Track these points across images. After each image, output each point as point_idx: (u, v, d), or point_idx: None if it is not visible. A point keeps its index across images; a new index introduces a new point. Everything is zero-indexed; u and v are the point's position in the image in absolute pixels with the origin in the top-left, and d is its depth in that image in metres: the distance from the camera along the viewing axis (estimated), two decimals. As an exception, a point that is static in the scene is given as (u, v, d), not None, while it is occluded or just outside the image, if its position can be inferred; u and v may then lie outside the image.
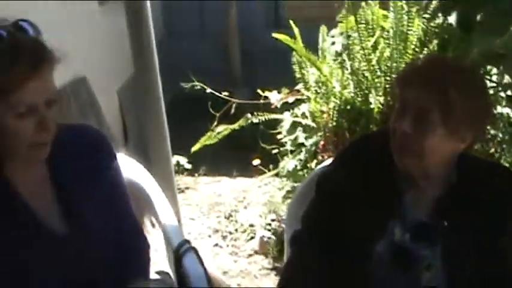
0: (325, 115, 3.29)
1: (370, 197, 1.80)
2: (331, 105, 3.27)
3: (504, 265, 1.76)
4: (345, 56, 3.34)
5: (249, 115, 3.53)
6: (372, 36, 3.24)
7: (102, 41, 4.72)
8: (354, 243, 1.81)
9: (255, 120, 3.51)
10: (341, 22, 3.40)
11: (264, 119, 3.59)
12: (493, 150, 3.28)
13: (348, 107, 3.23)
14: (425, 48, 3.10)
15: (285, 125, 3.84)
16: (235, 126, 3.59)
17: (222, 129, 3.58)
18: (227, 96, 4.10)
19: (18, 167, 1.64)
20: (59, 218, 1.72)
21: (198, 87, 4.15)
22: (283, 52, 3.68)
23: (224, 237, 4.12)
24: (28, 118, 1.54)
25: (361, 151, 1.91)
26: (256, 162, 4.51)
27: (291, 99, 3.88)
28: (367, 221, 1.80)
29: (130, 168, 2.33)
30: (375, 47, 3.24)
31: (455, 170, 1.78)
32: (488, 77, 3.05)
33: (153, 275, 2.27)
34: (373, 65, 3.18)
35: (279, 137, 4.00)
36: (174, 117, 5.37)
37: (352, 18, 3.21)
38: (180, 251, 2.10)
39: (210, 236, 4.13)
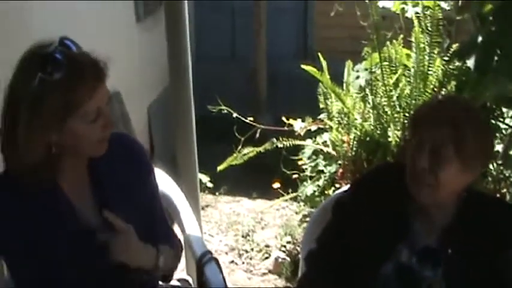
0: (345, 144, 3.44)
1: (382, 222, 1.93)
2: (352, 135, 3.43)
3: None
4: (367, 91, 3.49)
5: (274, 140, 3.68)
6: (395, 73, 3.39)
7: (137, 58, 4.89)
8: (363, 263, 1.95)
9: (280, 145, 3.65)
10: (365, 59, 3.57)
11: (287, 145, 3.72)
12: (504, 190, 3.39)
13: (368, 139, 3.39)
14: (444, 89, 3.25)
15: (307, 152, 3.98)
16: (261, 149, 3.74)
17: (248, 151, 3.72)
18: (252, 121, 4.24)
19: (64, 167, 1.78)
20: (94, 213, 1.84)
21: (225, 111, 4.29)
22: (308, 82, 3.83)
23: (240, 255, 4.24)
24: (97, 121, 1.70)
25: (376, 180, 2.05)
26: (276, 185, 4.65)
27: (313, 128, 4.02)
28: (377, 244, 1.92)
29: (159, 178, 2.49)
30: (396, 84, 3.39)
31: (463, 201, 1.93)
32: (501, 120, 3.18)
33: (174, 282, 2.42)
34: (393, 101, 3.33)
35: (299, 163, 4.13)
36: (199, 138, 5.54)
37: (376, 55, 3.36)
38: (203, 261, 2.23)
39: (226, 253, 4.26)
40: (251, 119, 4.26)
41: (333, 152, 3.59)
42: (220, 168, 3.88)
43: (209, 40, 6.99)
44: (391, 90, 3.33)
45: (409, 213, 1.93)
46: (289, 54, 6.84)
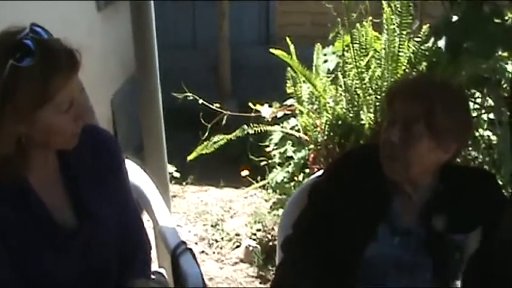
0: (317, 129, 3.41)
1: (360, 204, 1.92)
2: (324, 119, 3.40)
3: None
4: (339, 74, 3.46)
5: (245, 126, 3.63)
6: (365, 56, 3.37)
7: (98, 48, 4.79)
8: (344, 248, 1.93)
9: (251, 131, 3.61)
10: (334, 41, 3.53)
11: (254, 132, 3.68)
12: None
13: (340, 122, 3.36)
14: (415, 70, 3.25)
15: (275, 138, 3.95)
16: (232, 136, 3.68)
17: (218, 139, 3.67)
18: (218, 108, 4.19)
19: (35, 163, 1.70)
20: (68, 210, 1.79)
21: (190, 98, 4.23)
22: (272, 68, 3.79)
23: (210, 245, 4.19)
24: (70, 112, 1.63)
25: (351, 162, 2.03)
26: (244, 173, 4.61)
27: (280, 114, 3.99)
28: (356, 226, 1.91)
29: (130, 169, 2.43)
30: (367, 66, 3.37)
31: (439, 178, 1.91)
32: (472, 100, 3.19)
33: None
34: (365, 83, 3.31)
35: (267, 149, 4.10)
36: (165, 127, 5.48)
37: (346, 37, 3.34)
38: (177, 252, 2.19)
39: (196, 244, 4.20)
40: (217, 105, 4.20)
41: (305, 137, 3.56)
42: (190, 158, 3.82)
43: (170, 29, 6.92)
44: (362, 73, 3.30)
45: (387, 193, 1.92)
46: (252, 41, 6.79)
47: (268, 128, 3.70)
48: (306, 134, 3.53)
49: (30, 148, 1.66)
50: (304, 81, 3.53)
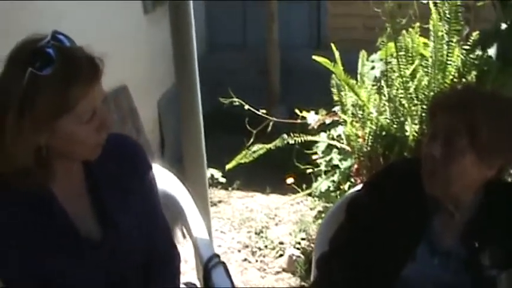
0: (360, 139, 3.30)
1: (399, 222, 1.83)
2: (367, 130, 3.28)
3: None
4: (383, 82, 3.33)
5: (285, 136, 3.54)
6: (411, 63, 3.23)
7: (145, 51, 4.79)
8: (381, 267, 1.84)
9: (291, 141, 3.52)
10: (380, 49, 3.41)
11: (294, 141, 3.59)
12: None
13: (384, 133, 3.23)
14: (463, 79, 3.08)
15: (321, 146, 3.85)
16: (271, 145, 3.60)
17: (258, 148, 3.59)
18: (265, 114, 4.11)
19: (58, 173, 1.67)
20: (92, 220, 1.76)
21: (237, 102, 4.18)
22: (323, 72, 3.69)
23: (253, 253, 4.13)
24: (92, 122, 1.59)
25: (391, 177, 1.94)
26: (289, 180, 4.52)
27: (328, 121, 3.89)
28: (394, 245, 1.83)
29: (165, 179, 2.37)
30: (413, 75, 3.23)
31: (483, 195, 1.79)
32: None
33: (181, 286, 2.32)
34: (410, 93, 3.17)
35: (314, 157, 4.01)
36: (211, 131, 5.44)
37: (391, 44, 3.20)
38: (210, 265, 2.13)
39: (239, 251, 4.15)
40: (264, 111, 4.13)
41: (347, 147, 3.44)
42: (228, 167, 3.76)
43: (220, 29, 6.92)
44: (407, 82, 3.16)
45: (428, 211, 1.82)
46: (302, 43, 6.71)
47: (310, 138, 3.59)
48: (348, 144, 3.41)
49: (52, 159, 1.63)
50: (348, 90, 3.40)
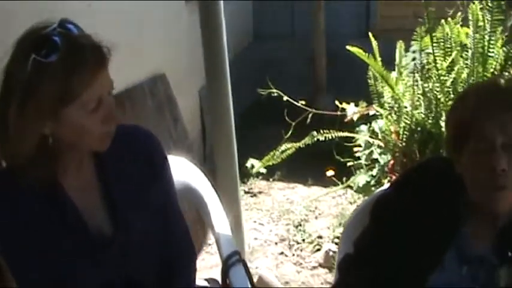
0: (393, 135, 3.16)
1: (427, 227, 1.71)
2: (402, 124, 3.15)
3: None
4: (417, 75, 3.18)
5: (314, 133, 3.45)
6: (449, 55, 3.07)
7: (186, 39, 4.74)
8: (407, 274, 1.73)
9: (321, 138, 3.42)
10: (416, 40, 3.25)
11: (324, 138, 3.50)
12: None
13: (419, 129, 3.09)
14: (506, 73, 2.90)
15: (361, 139, 3.74)
16: (300, 144, 3.52)
17: (286, 148, 3.50)
18: (304, 105, 4.01)
19: (67, 165, 1.64)
20: (103, 217, 1.71)
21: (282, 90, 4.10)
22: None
23: (290, 247, 4.05)
24: (98, 112, 1.55)
25: (427, 173, 1.81)
26: (329, 173, 4.42)
27: (371, 113, 3.77)
28: (421, 251, 1.71)
29: (189, 173, 2.32)
30: (451, 67, 3.07)
31: None
32: None
33: (202, 282, 2.26)
34: (447, 87, 3.01)
35: (355, 149, 3.90)
36: (254, 120, 5.38)
37: (426, 37, 3.04)
38: (229, 262, 2.07)
39: (276, 244, 4.08)
40: (303, 102, 4.03)
41: (380, 143, 3.32)
42: (255, 170, 3.70)
43: (269, 18, 6.85)
44: (444, 75, 3.00)
45: (459, 216, 1.69)
46: (351, 32, 6.56)
47: (340, 133, 3.47)
48: (384, 139, 3.28)
49: (60, 150, 1.59)
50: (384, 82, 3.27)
